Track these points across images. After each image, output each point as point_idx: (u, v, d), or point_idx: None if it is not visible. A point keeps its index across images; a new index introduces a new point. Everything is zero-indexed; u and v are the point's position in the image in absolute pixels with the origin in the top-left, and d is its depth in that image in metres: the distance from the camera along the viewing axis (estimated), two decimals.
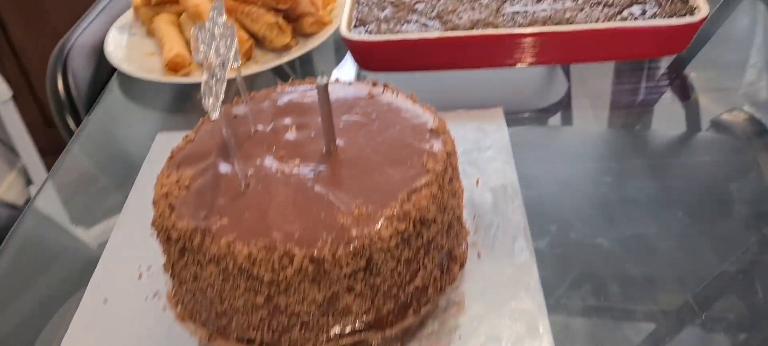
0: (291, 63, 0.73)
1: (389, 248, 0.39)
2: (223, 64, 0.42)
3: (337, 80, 0.53)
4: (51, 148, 1.58)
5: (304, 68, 0.75)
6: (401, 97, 0.50)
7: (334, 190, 0.42)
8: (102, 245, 0.52)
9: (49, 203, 0.60)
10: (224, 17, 0.44)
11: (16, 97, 1.54)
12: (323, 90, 0.43)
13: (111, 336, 0.46)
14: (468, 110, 0.62)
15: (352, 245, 0.38)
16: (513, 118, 0.62)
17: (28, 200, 0.65)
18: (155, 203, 0.43)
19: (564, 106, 0.69)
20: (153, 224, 0.43)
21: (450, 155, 0.45)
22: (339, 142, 0.45)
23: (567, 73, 0.73)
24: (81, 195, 0.61)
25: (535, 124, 0.65)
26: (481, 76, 0.69)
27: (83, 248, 0.56)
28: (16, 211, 0.63)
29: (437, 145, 0.44)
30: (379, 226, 0.39)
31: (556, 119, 0.67)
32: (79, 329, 0.46)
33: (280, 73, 0.73)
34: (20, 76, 1.65)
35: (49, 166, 1.54)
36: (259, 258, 0.38)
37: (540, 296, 0.44)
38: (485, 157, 0.57)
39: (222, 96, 0.40)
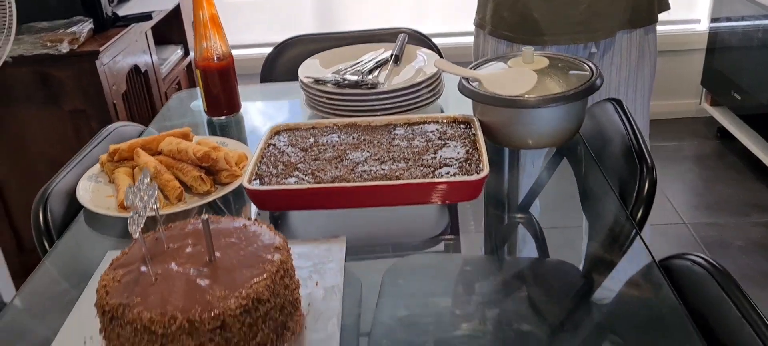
0: (212, 203, 1.01)
1: (236, 315, 0.67)
2: (145, 207, 0.71)
3: (221, 217, 0.82)
4: (22, 272, 1.83)
5: (225, 205, 1.04)
6: (263, 227, 0.79)
7: (209, 282, 0.69)
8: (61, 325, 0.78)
9: (29, 296, 0.86)
10: (148, 179, 0.73)
11: None
12: (206, 223, 0.71)
13: None
14: (324, 239, 0.91)
15: (212, 312, 0.66)
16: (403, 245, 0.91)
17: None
18: (97, 290, 0.70)
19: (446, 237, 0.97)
20: (95, 304, 0.70)
21: (284, 262, 0.73)
22: (217, 254, 0.73)
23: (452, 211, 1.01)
24: (49, 293, 0.87)
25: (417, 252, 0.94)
26: (381, 215, 0.98)
27: (48, 325, 0.81)
28: (2, 304, 0.88)
29: (276, 256, 0.73)
30: (230, 302, 0.67)
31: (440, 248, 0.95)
32: None
33: (207, 209, 1.02)
34: (2, 210, 1.91)
35: (17, 287, 1.77)
36: (155, 319, 0.65)
37: None
38: (326, 267, 0.85)
39: (141, 225, 0.69)
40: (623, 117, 1.14)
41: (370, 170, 0.97)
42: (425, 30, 1.74)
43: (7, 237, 1.96)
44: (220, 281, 0.70)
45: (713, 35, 2.71)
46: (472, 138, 1.05)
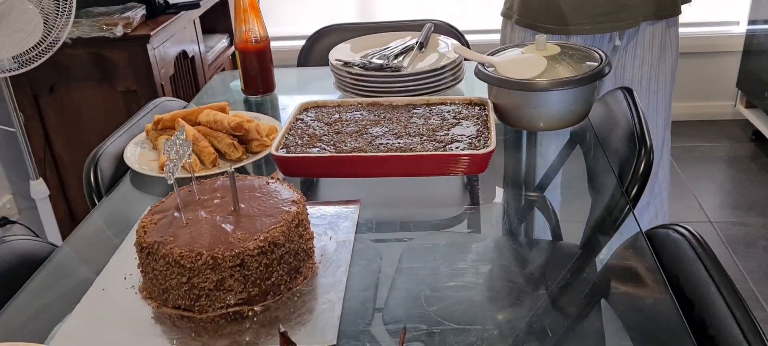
0: (242, 169, 1.11)
1: (254, 255, 0.76)
2: (180, 158, 0.81)
3: (248, 176, 0.92)
4: None
5: (255, 172, 1.14)
6: (284, 185, 0.88)
7: (232, 227, 0.79)
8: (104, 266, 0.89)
9: (77, 242, 0.98)
10: (183, 136, 0.83)
11: (51, 197, 1.94)
12: (232, 176, 0.81)
13: (107, 307, 0.82)
14: (341, 201, 1.00)
15: (233, 251, 0.75)
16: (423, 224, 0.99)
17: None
18: (137, 231, 0.81)
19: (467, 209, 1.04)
20: (134, 243, 0.80)
21: (299, 213, 0.82)
22: (241, 205, 0.83)
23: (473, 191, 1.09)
24: (95, 240, 0.98)
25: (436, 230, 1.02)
26: (405, 193, 1.06)
27: (93, 266, 0.92)
28: (54, 247, 1.00)
29: (293, 208, 0.82)
30: (250, 243, 0.76)
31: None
32: (89, 302, 0.82)
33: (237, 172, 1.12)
34: (58, 181, 2.06)
35: None
36: (184, 255, 0.75)
37: (341, 293, 0.80)
38: (340, 225, 0.94)
39: (176, 173, 0.79)
40: (631, 103, 1.20)
41: (387, 143, 1.06)
42: (463, 26, 1.82)
43: (61, 207, 2.11)
44: (241, 226, 0.79)
45: (750, 37, 2.71)
46: (485, 118, 1.13)
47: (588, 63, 1.15)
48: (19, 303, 0.84)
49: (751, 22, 2.73)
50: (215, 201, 0.85)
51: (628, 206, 0.97)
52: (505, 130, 1.23)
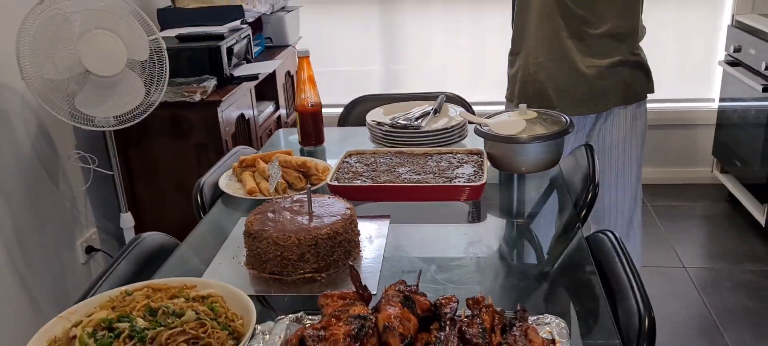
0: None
1: (324, 239, 1.19)
2: (276, 176, 1.25)
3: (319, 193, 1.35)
4: None
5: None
6: (340, 199, 1.31)
7: (308, 221, 1.22)
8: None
9: (188, 243, 1.40)
10: (277, 164, 1.27)
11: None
12: (309, 190, 1.25)
13: (226, 272, 1.24)
14: (378, 216, 1.42)
15: (310, 236, 1.18)
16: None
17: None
18: (246, 223, 1.24)
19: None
20: (243, 232, 1.23)
21: (352, 215, 1.25)
22: (313, 210, 1.26)
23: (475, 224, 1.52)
24: (201, 244, 1.41)
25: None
26: (422, 231, 1.49)
27: (202, 259, 1.34)
28: (178, 242, 1.42)
29: (348, 212, 1.25)
30: (321, 232, 1.19)
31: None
32: (212, 271, 1.24)
33: None
34: (136, 216, 2.50)
35: None
36: (279, 237, 1.18)
37: (378, 266, 1.22)
38: (376, 231, 1.36)
39: (274, 185, 1.22)
40: (589, 155, 1.62)
41: (409, 178, 1.49)
42: (474, 98, 2.28)
43: None
44: (315, 221, 1.22)
45: (721, 112, 3.14)
46: (480, 163, 1.56)
47: (557, 125, 1.58)
48: (160, 274, 1.27)
49: (721, 99, 3.16)
50: (295, 208, 1.29)
51: (577, 224, 1.39)
52: (500, 174, 1.65)
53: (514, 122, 1.60)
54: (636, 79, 1.96)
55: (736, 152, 2.98)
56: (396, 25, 3.51)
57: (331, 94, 3.41)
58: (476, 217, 1.50)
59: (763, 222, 2.76)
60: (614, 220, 2.07)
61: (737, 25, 2.98)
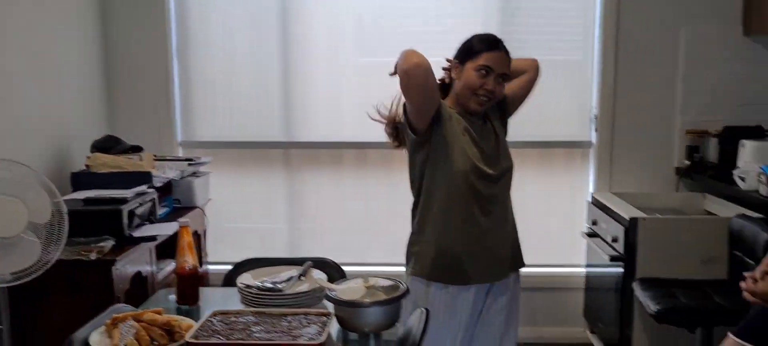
0: None
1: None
2: (126, 337, 1.45)
3: None
4: None
5: None
6: None
7: None
8: None
9: None
10: (130, 325, 1.47)
11: None
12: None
13: None
14: None
15: None
16: None
17: None
18: None
19: None
20: None
21: None
22: None
23: None
24: None
25: None
26: None
27: None
28: None
29: None
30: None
31: None
32: None
33: None
34: None
35: None
36: None
37: None
38: None
39: None
40: (425, 321, 1.88)
41: (260, 336, 1.70)
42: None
43: None
44: None
45: (587, 278, 3.50)
46: (326, 323, 1.79)
47: (392, 289, 1.85)
48: None
49: (587, 265, 3.53)
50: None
51: None
52: (347, 334, 1.87)
53: (354, 289, 1.86)
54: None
55: (598, 314, 3.31)
56: (302, 188, 3.83)
57: (242, 251, 3.64)
58: None
59: None
60: None
61: (594, 202, 3.40)
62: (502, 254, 2.24)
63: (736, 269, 2.67)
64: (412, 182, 2.24)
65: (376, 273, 2.04)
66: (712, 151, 3.31)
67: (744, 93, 3.42)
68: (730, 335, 2.12)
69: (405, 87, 2.04)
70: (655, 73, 3.49)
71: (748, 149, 2.99)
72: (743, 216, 2.69)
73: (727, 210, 2.99)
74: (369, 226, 3.78)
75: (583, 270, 3.61)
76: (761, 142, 2.97)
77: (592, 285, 3.44)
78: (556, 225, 3.67)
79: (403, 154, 2.30)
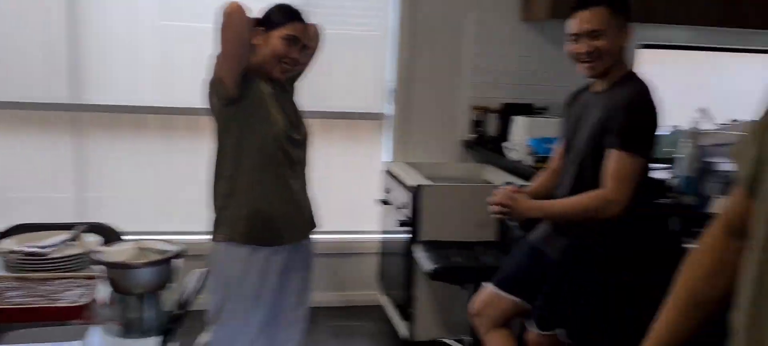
0: None
1: None
2: None
3: None
4: None
5: None
6: None
7: None
8: None
9: None
10: None
11: None
12: None
13: None
14: None
15: None
16: None
17: None
18: None
19: None
20: None
21: None
22: None
23: None
24: None
25: None
26: None
27: None
28: None
29: None
30: None
31: None
32: None
33: None
34: None
35: None
36: None
37: None
38: None
39: None
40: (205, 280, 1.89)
41: (14, 300, 1.62)
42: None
43: None
44: None
45: (382, 243, 3.71)
46: (91, 286, 1.74)
47: (167, 253, 1.84)
48: None
49: (383, 232, 3.74)
50: None
51: None
52: (125, 298, 1.83)
53: (125, 251, 1.83)
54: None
55: (389, 277, 3.53)
56: (93, 155, 3.62)
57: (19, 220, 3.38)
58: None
59: (407, 335, 3.26)
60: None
61: (388, 171, 3.60)
62: (308, 215, 2.36)
63: (504, 230, 2.99)
64: (221, 146, 2.22)
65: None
66: (492, 125, 3.63)
67: (520, 73, 3.78)
68: (487, 284, 2.39)
69: (223, 27, 2.03)
70: (447, 53, 3.74)
71: (518, 124, 3.32)
72: (509, 184, 3.00)
73: (500, 179, 3.31)
74: (166, 195, 3.69)
75: (378, 236, 3.81)
76: (530, 118, 3.32)
77: (385, 250, 3.65)
78: (356, 193, 3.83)
79: (208, 122, 2.26)
